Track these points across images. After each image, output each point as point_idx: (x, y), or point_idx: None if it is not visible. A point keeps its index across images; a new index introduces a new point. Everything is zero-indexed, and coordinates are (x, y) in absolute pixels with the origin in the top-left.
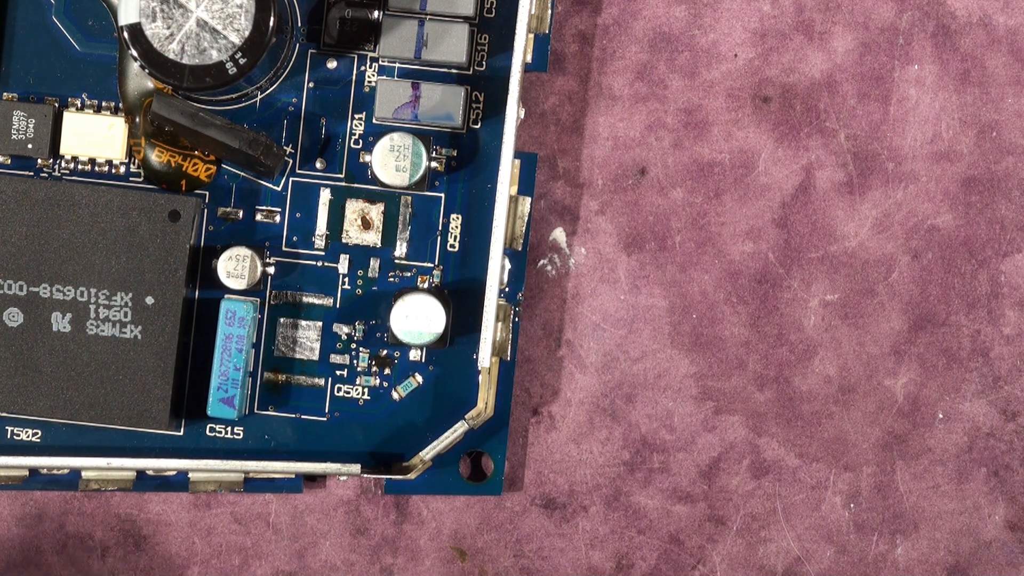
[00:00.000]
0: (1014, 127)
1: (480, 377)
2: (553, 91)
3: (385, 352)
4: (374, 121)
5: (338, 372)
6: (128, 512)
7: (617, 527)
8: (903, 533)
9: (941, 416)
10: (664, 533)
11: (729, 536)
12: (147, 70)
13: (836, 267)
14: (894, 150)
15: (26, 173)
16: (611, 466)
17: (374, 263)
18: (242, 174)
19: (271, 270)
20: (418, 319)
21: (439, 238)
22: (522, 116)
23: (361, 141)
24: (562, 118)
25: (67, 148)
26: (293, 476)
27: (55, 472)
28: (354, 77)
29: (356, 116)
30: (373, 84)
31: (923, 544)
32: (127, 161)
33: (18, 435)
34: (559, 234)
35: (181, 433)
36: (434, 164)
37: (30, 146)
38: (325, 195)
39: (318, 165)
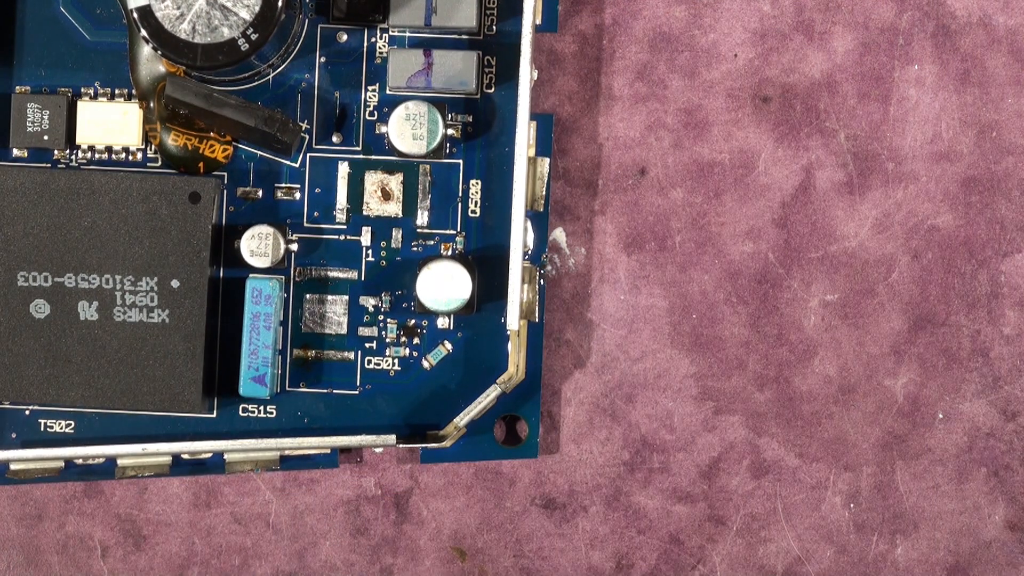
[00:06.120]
0: (1014, 127)
1: (509, 341)
2: (553, 91)
3: (413, 322)
4: (388, 91)
5: (367, 345)
6: (128, 512)
7: (617, 527)
8: (903, 533)
9: (941, 416)
10: (664, 533)
11: (729, 536)
12: (159, 51)
13: (836, 267)
14: (894, 150)
15: (44, 165)
16: (611, 466)
17: (396, 233)
18: (259, 153)
19: (294, 247)
20: (444, 286)
21: (460, 205)
22: (535, 77)
23: (376, 112)
24: (562, 118)
25: (83, 137)
26: (329, 451)
27: (90, 462)
28: (365, 49)
29: (369, 88)
30: (385, 55)
31: (923, 544)
32: (144, 147)
33: (51, 427)
34: (559, 234)
35: (214, 415)
36: (450, 131)
37: (46, 137)
38: (343, 169)
39: (334, 139)
